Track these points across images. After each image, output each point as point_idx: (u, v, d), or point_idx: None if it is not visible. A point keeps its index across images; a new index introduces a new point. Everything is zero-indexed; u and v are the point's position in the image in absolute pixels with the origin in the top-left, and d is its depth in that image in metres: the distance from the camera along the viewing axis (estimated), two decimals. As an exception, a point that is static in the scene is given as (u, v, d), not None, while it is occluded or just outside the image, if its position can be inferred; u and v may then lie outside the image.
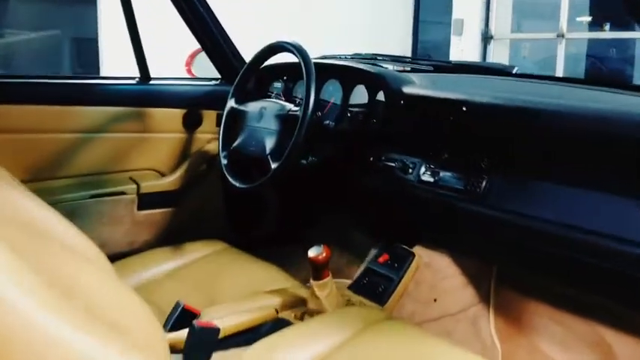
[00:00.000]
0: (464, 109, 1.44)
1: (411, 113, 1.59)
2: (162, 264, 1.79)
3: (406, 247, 1.75)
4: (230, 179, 1.71)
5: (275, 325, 1.44)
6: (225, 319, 1.39)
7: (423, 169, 1.57)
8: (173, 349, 1.03)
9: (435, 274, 1.73)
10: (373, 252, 1.94)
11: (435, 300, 1.72)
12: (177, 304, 1.44)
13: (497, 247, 1.55)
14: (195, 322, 1.18)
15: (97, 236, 1.99)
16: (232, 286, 1.63)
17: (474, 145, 1.46)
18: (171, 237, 2.01)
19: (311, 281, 1.51)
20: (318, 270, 1.48)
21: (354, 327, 1.25)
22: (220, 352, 1.33)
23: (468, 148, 1.47)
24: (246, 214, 2.35)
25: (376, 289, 1.67)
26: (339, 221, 2.29)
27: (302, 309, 1.51)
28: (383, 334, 1.25)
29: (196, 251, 1.84)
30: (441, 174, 1.52)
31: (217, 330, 1.15)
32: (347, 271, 2.00)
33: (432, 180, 1.54)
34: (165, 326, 1.44)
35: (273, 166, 1.59)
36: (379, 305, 1.61)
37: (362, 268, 1.76)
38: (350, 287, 1.71)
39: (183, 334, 1.14)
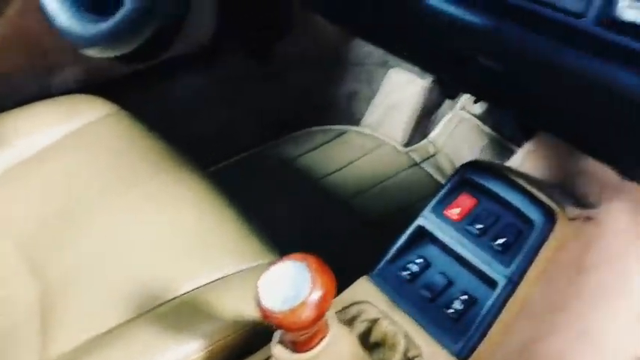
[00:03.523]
0: None
1: None
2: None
3: (529, 193, 0.66)
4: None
5: None
6: None
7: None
8: None
9: (588, 242, 0.70)
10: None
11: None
12: None
13: None
14: None
15: None
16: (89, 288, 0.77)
17: None
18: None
19: (274, 349, 0.52)
20: (296, 342, 0.49)
21: None
22: None
23: None
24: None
25: (443, 303, 0.66)
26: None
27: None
28: None
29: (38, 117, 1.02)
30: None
31: None
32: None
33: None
34: None
35: None
36: (453, 354, 0.62)
37: (406, 233, 0.71)
38: (373, 276, 0.70)
39: None
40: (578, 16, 0.55)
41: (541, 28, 0.57)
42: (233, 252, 0.77)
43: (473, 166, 0.72)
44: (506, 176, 0.69)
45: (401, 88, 1.34)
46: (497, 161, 1.18)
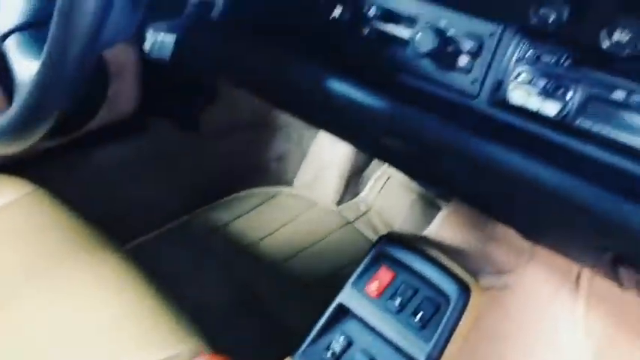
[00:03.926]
0: None
1: None
2: None
3: (444, 268, 0.67)
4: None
5: None
6: None
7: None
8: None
9: (505, 311, 0.71)
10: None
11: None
12: None
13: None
14: None
15: None
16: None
17: None
18: None
19: None
20: None
21: None
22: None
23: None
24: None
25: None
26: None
27: None
28: None
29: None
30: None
31: None
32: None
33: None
34: None
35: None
36: None
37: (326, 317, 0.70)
38: (296, 357, 0.69)
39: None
40: (473, 97, 0.57)
41: (439, 109, 0.59)
42: (153, 339, 0.74)
43: (389, 239, 0.72)
44: (421, 249, 0.69)
45: (330, 148, 1.35)
46: (422, 221, 1.19)
